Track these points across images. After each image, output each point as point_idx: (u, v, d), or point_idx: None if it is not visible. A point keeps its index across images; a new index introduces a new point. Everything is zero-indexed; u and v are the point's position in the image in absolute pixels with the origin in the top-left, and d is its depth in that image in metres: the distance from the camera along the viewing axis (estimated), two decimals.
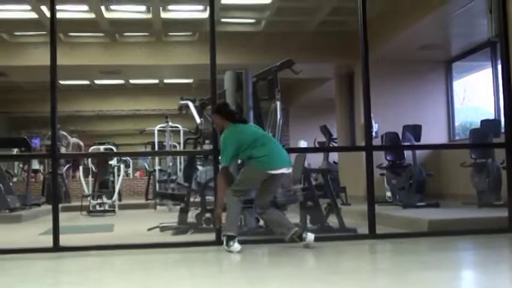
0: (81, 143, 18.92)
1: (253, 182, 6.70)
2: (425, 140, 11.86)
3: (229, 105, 7.24)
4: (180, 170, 14.66)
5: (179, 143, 16.36)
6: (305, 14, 14.14)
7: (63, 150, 16.25)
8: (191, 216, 8.83)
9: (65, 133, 17.79)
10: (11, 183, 14.00)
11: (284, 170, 6.65)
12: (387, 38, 13.19)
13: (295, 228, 6.67)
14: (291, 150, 7.72)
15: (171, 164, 15.63)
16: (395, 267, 5.38)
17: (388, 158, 11.85)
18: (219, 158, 6.91)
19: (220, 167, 6.86)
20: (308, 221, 8.14)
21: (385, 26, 12.95)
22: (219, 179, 6.80)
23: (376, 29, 11.30)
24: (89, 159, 15.20)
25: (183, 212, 8.94)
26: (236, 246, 6.43)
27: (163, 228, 8.80)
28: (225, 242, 6.52)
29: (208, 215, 8.49)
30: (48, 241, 6.82)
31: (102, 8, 13.35)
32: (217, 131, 7.03)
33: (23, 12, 13.61)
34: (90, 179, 14.84)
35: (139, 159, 24.64)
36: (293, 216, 8.58)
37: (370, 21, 7.46)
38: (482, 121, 11.32)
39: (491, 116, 12.61)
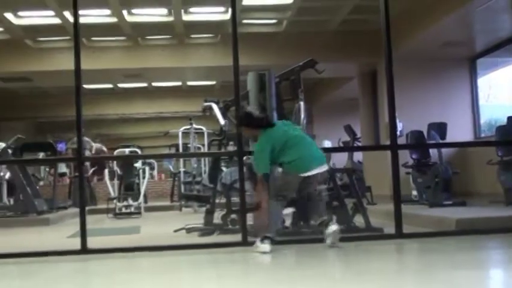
0: (104, 148, 19.05)
1: (290, 186, 6.67)
2: (450, 137, 11.77)
3: (252, 112, 7.06)
4: (205, 171, 14.70)
5: (203, 145, 16.42)
6: (327, 13, 14.12)
7: (87, 154, 16.37)
8: (217, 218, 8.84)
9: (88, 139, 17.93)
10: (37, 187, 14.14)
11: (317, 170, 6.62)
12: (410, 35, 13.14)
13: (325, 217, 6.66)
14: None
15: (195, 165, 15.68)
16: (423, 267, 5.35)
17: (413, 156, 11.77)
18: (253, 164, 6.92)
19: (258, 176, 6.82)
20: (334, 221, 8.11)
21: (408, 24, 12.90)
22: (258, 189, 6.81)
23: (399, 27, 11.24)
24: (114, 162, 15.29)
25: (209, 213, 8.95)
26: (266, 246, 6.41)
27: (189, 230, 8.82)
28: (258, 242, 6.52)
29: (234, 216, 8.50)
30: (75, 244, 6.88)
31: (124, 12, 13.45)
32: (250, 139, 7.00)
33: (46, 18, 13.77)
34: (116, 181, 14.94)
35: (164, 161, 24.73)
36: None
37: (393, 19, 7.42)
38: (508, 118, 11.20)
39: None
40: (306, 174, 6.53)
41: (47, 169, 20.23)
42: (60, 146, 21.66)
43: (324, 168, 6.70)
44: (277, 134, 6.72)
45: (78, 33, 7.12)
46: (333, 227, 6.48)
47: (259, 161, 6.67)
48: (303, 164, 6.55)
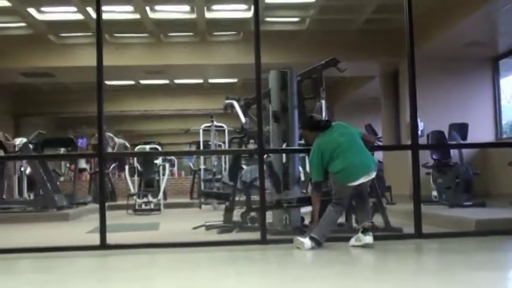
0: (127, 144, 19.15)
1: (344, 194, 6.67)
2: (471, 138, 11.70)
3: (314, 116, 7.29)
4: (225, 169, 14.73)
5: (224, 142, 16.44)
6: (350, 11, 14.08)
7: (109, 150, 16.46)
8: (236, 215, 8.86)
9: (111, 134, 18.01)
10: (58, 182, 14.25)
11: (364, 179, 6.62)
12: (433, 35, 13.06)
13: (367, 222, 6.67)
14: None
15: (216, 163, 15.71)
16: (442, 267, 5.34)
17: (434, 156, 11.72)
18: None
19: (313, 182, 6.91)
20: (354, 220, 8.10)
21: (431, 23, 12.83)
22: (313, 197, 6.88)
23: (422, 27, 11.19)
24: (135, 159, 15.37)
25: (228, 210, 8.98)
26: (308, 242, 6.43)
27: (208, 227, 8.85)
28: (301, 238, 6.55)
29: (253, 213, 8.51)
30: (95, 239, 6.93)
31: (147, 8, 13.49)
32: (310, 142, 6.99)
33: (69, 13, 13.85)
34: (136, 178, 15.01)
35: (185, 159, 24.80)
36: None
37: (416, 18, 7.39)
38: None
39: None
40: (353, 184, 6.54)
41: (68, 165, 20.39)
42: (81, 142, 21.81)
43: (371, 175, 6.70)
44: (326, 140, 6.74)
45: (100, 29, 7.17)
46: (369, 239, 6.49)
47: (312, 168, 6.80)
48: (350, 173, 6.56)
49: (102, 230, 6.88)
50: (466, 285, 4.37)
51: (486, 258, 5.71)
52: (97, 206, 7.42)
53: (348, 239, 6.65)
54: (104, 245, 6.84)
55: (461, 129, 11.63)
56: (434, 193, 11.72)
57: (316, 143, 6.76)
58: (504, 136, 14.81)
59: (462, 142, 11.43)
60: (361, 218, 6.78)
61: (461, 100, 14.48)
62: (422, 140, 11.54)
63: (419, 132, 8.52)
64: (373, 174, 6.73)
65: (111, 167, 17.92)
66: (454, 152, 11.64)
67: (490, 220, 8.01)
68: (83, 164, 18.94)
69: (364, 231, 6.52)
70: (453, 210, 9.77)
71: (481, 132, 13.65)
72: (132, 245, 7.12)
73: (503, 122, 15.11)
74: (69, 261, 6.23)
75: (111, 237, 6.98)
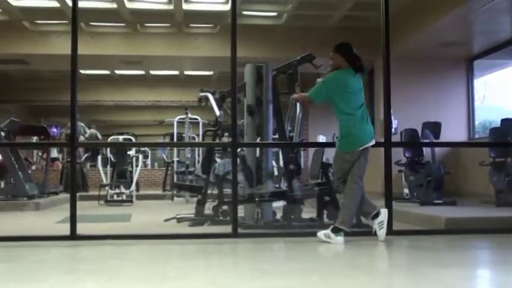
0: (99, 135, 19.01)
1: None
2: (444, 137, 11.80)
3: (353, 48, 6.91)
4: (198, 161, 14.70)
5: (198, 135, 16.41)
6: (327, 8, 14.11)
7: (81, 140, 16.34)
8: (208, 208, 8.84)
9: (82, 124, 17.89)
10: (29, 171, 14.11)
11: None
12: (409, 34, 13.13)
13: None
14: (309, 145, 7.69)
15: (189, 155, 15.67)
16: (411, 264, 5.36)
17: (406, 154, 11.81)
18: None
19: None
20: (325, 216, 8.13)
21: (407, 22, 12.89)
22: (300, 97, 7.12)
23: (398, 25, 11.22)
24: (108, 149, 15.27)
25: (200, 203, 8.96)
26: (340, 238, 6.44)
27: (180, 220, 8.82)
28: (329, 231, 6.51)
29: (225, 207, 8.50)
30: (65, 229, 6.87)
31: None
32: (331, 68, 6.83)
33: (45, 0, 13.70)
34: (109, 168, 14.92)
35: (158, 150, 24.70)
36: (310, 211, 8.60)
37: (392, 17, 7.42)
38: (502, 120, 11.24)
39: None
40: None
41: (40, 153, 20.21)
42: (53, 131, 21.61)
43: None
44: (352, 88, 6.73)
45: (76, 17, 7.09)
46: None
47: (315, 88, 6.86)
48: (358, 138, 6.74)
49: (73, 220, 6.82)
50: (435, 282, 4.40)
51: (455, 256, 5.75)
52: (68, 196, 7.35)
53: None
54: (73, 236, 6.78)
55: (435, 128, 11.72)
56: (406, 191, 11.82)
57: (339, 77, 6.71)
58: (476, 136, 14.95)
59: (435, 141, 11.52)
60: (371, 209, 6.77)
61: (436, 99, 14.58)
62: (396, 138, 11.61)
63: (392, 130, 8.55)
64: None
65: (84, 157, 17.78)
66: (426, 151, 11.74)
67: (460, 218, 8.10)
68: (54, 153, 18.78)
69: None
70: (424, 208, 9.85)
71: (453, 131, 13.76)
72: (102, 236, 7.07)
73: (476, 122, 15.25)
74: (37, 251, 6.16)
75: (82, 228, 6.93)
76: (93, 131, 19.07)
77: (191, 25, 15.75)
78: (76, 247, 6.48)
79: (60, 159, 19.05)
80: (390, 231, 7.01)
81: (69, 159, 13.74)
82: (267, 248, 6.39)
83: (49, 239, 6.86)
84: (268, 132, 8.44)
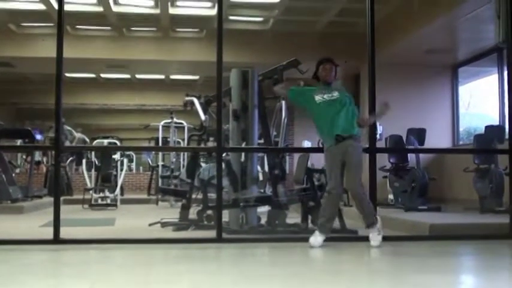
0: (87, 139, 18.93)
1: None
2: (429, 144, 11.84)
3: None
4: (183, 166, 14.68)
5: (183, 139, 16.39)
6: (313, 14, 14.14)
7: (67, 144, 16.24)
8: (192, 213, 8.83)
9: (70, 128, 17.80)
10: (13, 174, 14.02)
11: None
12: (394, 40, 13.18)
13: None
14: (294, 150, 7.70)
15: (174, 160, 15.64)
16: (394, 270, 5.37)
17: (391, 160, 11.84)
18: None
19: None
20: (309, 221, 8.13)
21: (393, 29, 12.94)
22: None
23: (384, 32, 11.29)
24: (93, 153, 15.21)
25: (185, 208, 8.94)
26: (378, 237, 6.64)
27: (164, 224, 8.80)
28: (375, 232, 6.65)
29: (209, 212, 8.49)
30: (48, 233, 6.82)
31: (111, 1, 13.36)
32: (326, 80, 6.99)
33: (31, 3, 13.64)
34: (93, 172, 14.86)
35: (143, 154, 24.65)
36: (295, 216, 8.60)
37: (378, 24, 7.45)
38: (486, 127, 11.30)
39: (496, 122, 12.59)
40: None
41: (24, 156, 20.08)
42: (38, 137, 21.46)
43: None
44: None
45: (62, 21, 7.06)
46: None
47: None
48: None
49: (56, 224, 6.77)
50: None
51: (439, 262, 5.76)
52: (52, 199, 7.31)
53: (304, 239, 6.67)
54: (57, 240, 6.74)
55: (419, 134, 11.76)
56: (391, 196, 11.85)
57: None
58: (461, 143, 15.01)
59: (419, 147, 11.56)
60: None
61: (420, 106, 14.62)
62: (381, 144, 11.65)
63: (377, 136, 8.58)
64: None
65: (68, 160, 17.70)
66: (411, 157, 11.78)
67: (444, 225, 8.12)
68: (37, 157, 18.65)
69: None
70: (408, 214, 9.87)
71: (438, 138, 13.81)
72: (86, 240, 7.05)
73: (461, 129, 15.33)
74: (20, 255, 6.12)
75: (65, 232, 6.89)
76: (80, 135, 18.98)
77: (177, 29, 15.73)
78: (59, 251, 6.44)
79: (44, 163, 18.94)
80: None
81: (53, 163, 13.67)
82: (251, 253, 6.39)
83: (32, 243, 6.82)
84: (253, 137, 8.44)
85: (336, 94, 6.81)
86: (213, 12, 13.09)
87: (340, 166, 6.66)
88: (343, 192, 7.55)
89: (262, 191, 9.45)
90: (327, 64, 6.98)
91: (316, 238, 6.53)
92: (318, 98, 6.85)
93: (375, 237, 6.63)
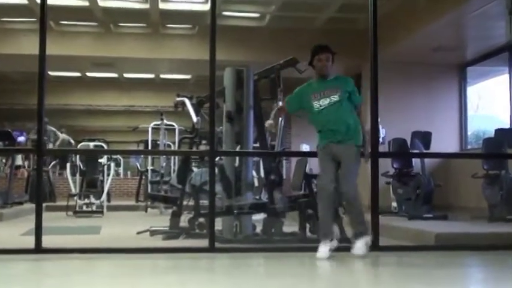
0: (72, 140, 18.89)
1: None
2: (435, 148, 11.85)
3: None
4: (174, 171, 14.66)
5: (174, 142, 16.36)
6: (312, 10, 14.15)
7: (51, 147, 16.21)
8: (183, 221, 8.82)
9: (53, 129, 17.76)
10: None
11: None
12: (399, 38, 13.20)
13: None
14: (292, 154, 7.70)
15: (164, 164, 15.62)
16: (397, 282, 5.37)
17: (394, 165, 11.83)
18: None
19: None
20: (307, 229, 8.13)
21: (397, 26, 12.96)
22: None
23: (387, 28, 11.29)
24: (77, 156, 15.18)
25: (175, 215, 8.93)
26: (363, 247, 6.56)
27: (153, 232, 8.79)
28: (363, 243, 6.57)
29: (201, 219, 8.49)
30: (30, 242, 6.82)
31: None
32: (323, 73, 6.90)
33: None
34: (78, 177, 14.83)
35: (131, 158, 24.62)
36: (292, 225, 8.59)
37: (381, 20, 7.46)
38: (496, 130, 11.31)
39: (507, 125, 12.61)
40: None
41: (4, 160, 20.02)
42: (20, 140, 21.42)
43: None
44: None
45: (45, 15, 7.06)
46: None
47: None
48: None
49: (38, 232, 6.77)
50: None
51: (445, 274, 5.77)
52: (34, 206, 7.29)
53: (302, 249, 6.67)
54: (38, 249, 6.73)
55: (425, 137, 11.76)
56: (394, 204, 11.85)
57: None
58: (469, 147, 15.02)
59: (425, 151, 11.55)
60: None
61: (426, 107, 14.64)
62: (383, 148, 11.66)
63: (380, 139, 8.60)
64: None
65: (51, 164, 17.67)
66: (416, 162, 11.76)
67: (451, 234, 8.12)
68: (18, 160, 18.60)
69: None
70: (413, 222, 9.87)
71: (445, 141, 13.83)
72: (69, 249, 7.02)
73: (469, 132, 15.33)
74: None
75: (48, 241, 6.87)
76: (65, 136, 18.92)
77: (168, 25, 15.73)
78: (41, 261, 6.44)
79: (26, 167, 18.89)
80: (376, 247, 7.03)
81: (35, 167, 13.64)
82: (246, 263, 6.39)
83: (12, 252, 6.80)
84: (248, 140, 8.44)
85: (335, 96, 6.73)
86: (206, 7, 13.10)
87: (332, 162, 6.64)
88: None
89: (257, 197, 9.46)
90: (322, 54, 6.82)
91: (320, 249, 6.48)
92: (316, 104, 6.75)
93: (361, 247, 6.53)
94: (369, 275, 6.07)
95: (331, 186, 6.54)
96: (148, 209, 14.89)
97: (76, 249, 7.01)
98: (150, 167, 16.45)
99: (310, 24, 14.78)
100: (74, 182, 14.78)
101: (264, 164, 8.85)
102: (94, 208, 14.02)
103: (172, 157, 15.50)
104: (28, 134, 18.82)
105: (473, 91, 16.10)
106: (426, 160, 11.60)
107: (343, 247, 7.15)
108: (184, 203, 9.30)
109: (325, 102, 6.72)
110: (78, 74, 20.99)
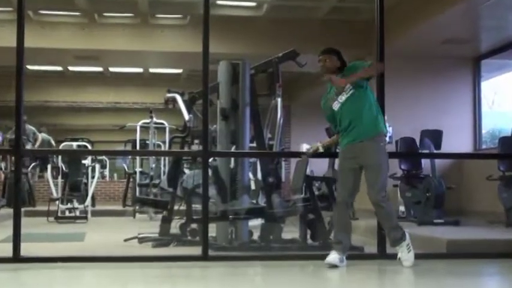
0: (52, 141, 18.89)
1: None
2: (446, 147, 11.86)
3: None
4: (164, 173, 14.67)
5: (164, 142, 16.37)
6: None
7: (29, 147, 16.21)
8: (175, 227, 8.83)
9: (32, 128, 17.75)
10: None
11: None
12: (407, 29, 13.20)
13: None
14: (291, 154, 7.72)
15: (153, 165, 15.63)
16: None
17: (402, 167, 11.83)
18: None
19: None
20: (308, 236, 8.15)
21: (405, 16, 12.96)
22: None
23: (394, 19, 11.32)
24: (59, 157, 15.18)
25: (166, 221, 8.95)
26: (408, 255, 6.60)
27: (142, 240, 8.80)
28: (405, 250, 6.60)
29: (194, 225, 8.50)
30: (7, 250, 6.81)
31: None
32: (325, 71, 6.95)
33: None
34: (60, 180, 14.83)
35: (118, 159, 24.63)
36: (292, 231, 8.60)
37: (388, 10, 7.47)
38: None
39: None
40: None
41: None
42: None
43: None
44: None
45: (23, 4, 7.06)
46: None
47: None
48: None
49: (16, 239, 6.77)
50: None
51: (457, 283, 5.79)
52: (11, 211, 7.30)
53: (303, 257, 6.68)
54: (17, 258, 6.72)
55: (435, 136, 11.77)
56: (402, 208, 11.85)
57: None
58: (484, 147, 15.02)
59: (435, 151, 11.56)
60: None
61: (437, 104, 14.64)
62: (390, 148, 11.67)
63: (386, 139, 8.60)
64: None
65: (31, 166, 17.67)
66: (425, 163, 11.77)
67: (463, 241, 8.13)
68: None
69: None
70: (422, 228, 9.88)
71: (457, 141, 13.82)
72: (50, 258, 7.03)
73: (483, 131, 15.32)
74: None
75: (27, 248, 6.88)
76: (44, 135, 18.92)
77: (157, 15, 15.73)
78: (19, 271, 6.44)
79: (3, 169, 18.89)
80: (383, 255, 7.05)
81: (12, 169, 13.64)
82: (242, 272, 6.40)
83: None
84: (244, 139, 8.45)
85: (343, 94, 6.80)
86: None
87: (351, 172, 6.68)
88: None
89: (254, 201, 9.45)
90: (319, 57, 6.98)
91: (331, 254, 6.51)
92: (334, 105, 6.87)
93: (406, 256, 6.59)
94: (375, 285, 6.08)
95: (345, 198, 6.80)
96: (137, 214, 14.90)
97: (58, 257, 7.01)
98: (138, 169, 16.42)
99: (312, 15, 14.79)
100: (56, 185, 14.77)
101: (262, 165, 8.86)
102: (77, 213, 14.02)
103: (163, 158, 15.50)
104: (5, 134, 18.80)
105: (488, 86, 16.10)
106: (437, 161, 11.58)
107: (348, 255, 7.18)
108: (176, 207, 9.31)
109: (337, 105, 6.81)
110: (59, 68, 20.95)
